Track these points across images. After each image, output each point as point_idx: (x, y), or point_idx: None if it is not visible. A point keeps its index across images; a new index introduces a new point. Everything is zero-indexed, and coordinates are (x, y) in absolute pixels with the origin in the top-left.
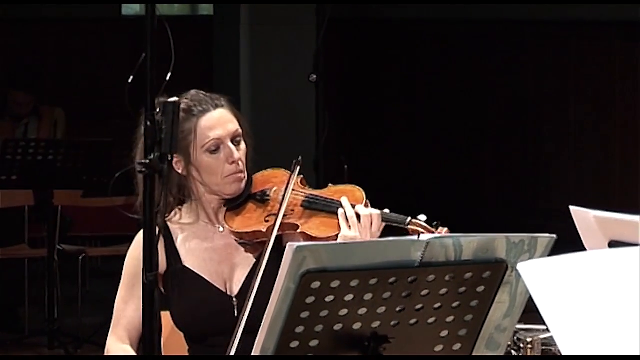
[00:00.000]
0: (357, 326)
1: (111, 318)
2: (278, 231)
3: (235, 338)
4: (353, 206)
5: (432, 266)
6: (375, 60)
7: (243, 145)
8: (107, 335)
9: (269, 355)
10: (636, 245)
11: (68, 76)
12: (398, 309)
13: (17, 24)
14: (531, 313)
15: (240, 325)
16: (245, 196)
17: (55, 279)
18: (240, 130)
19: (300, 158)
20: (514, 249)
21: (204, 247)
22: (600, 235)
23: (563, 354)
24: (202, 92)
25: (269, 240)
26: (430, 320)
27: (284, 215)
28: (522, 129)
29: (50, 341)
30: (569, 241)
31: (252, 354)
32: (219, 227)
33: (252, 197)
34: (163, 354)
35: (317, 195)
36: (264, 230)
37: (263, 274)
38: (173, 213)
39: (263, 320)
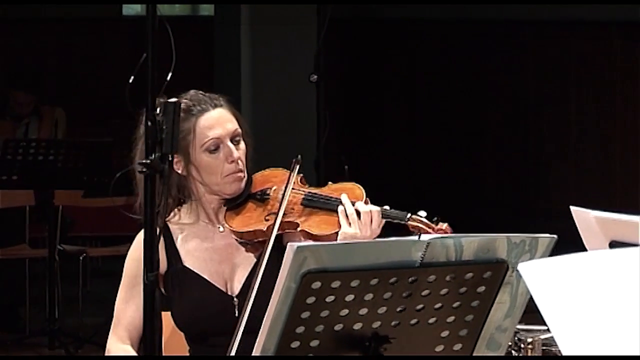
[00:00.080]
0: (357, 326)
1: (112, 318)
2: (278, 230)
3: (235, 338)
4: (353, 203)
5: (433, 266)
6: (375, 60)
7: (242, 145)
8: (107, 335)
9: (269, 355)
10: (637, 245)
11: (69, 76)
12: (399, 309)
13: (17, 24)
14: (532, 313)
15: (240, 325)
16: (245, 196)
17: (55, 279)
18: (239, 130)
19: (299, 157)
20: (515, 249)
21: (204, 247)
22: (600, 235)
23: (563, 354)
24: (201, 92)
25: (269, 239)
26: (431, 320)
27: (284, 214)
28: (522, 129)
29: (50, 341)
30: (569, 241)
31: (253, 354)
32: (219, 227)
33: (252, 196)
34: (163, 354)
35: (316, 193)
36: (264, 229)
37: (263, 274)
38: (172, 214)
39: (264, 321)
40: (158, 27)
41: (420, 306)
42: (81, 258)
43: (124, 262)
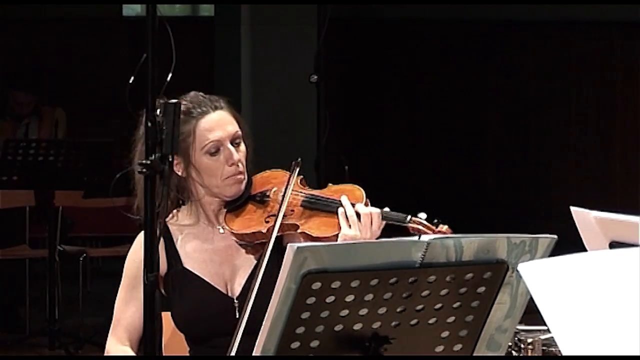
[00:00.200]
0: (357, 327)
1: (111, 319)
2: (278, 232)
3: (235, 339)
4: (353, 205)
5: (433, 267)
6: (376, 61)
7: (243, 147)
8: (107, 336)
9: (269, 355)
10: (637, 245)
11: (69, 76)
12: (399, 309)
13: (18, 24)
14: (532, 314)
15: (240, 327)
16: (245, 197)
17: (56, 279)
18: (239, 132)
19: (299, 159)
20: (515, 250)
21: (204, 248)
22: (601, 235)
23: (564, 355)
24: (201, 93)
25: (269, 241)
26: (431, 320)
27: (284, 216)
28: (522, 129)
29: (51, 341)
30: (569, 242)
31: (253, 355)
32: (219, 229)
33: (252, 198)
34: (164, 355)
35: (316, 195)
36: (264, 231)
37: (264, 275)
38: (171, 215)
39: (264, 321)
40: (158, 28)
41: (421, 306)
42: (81, 258)
43: (124, 262)
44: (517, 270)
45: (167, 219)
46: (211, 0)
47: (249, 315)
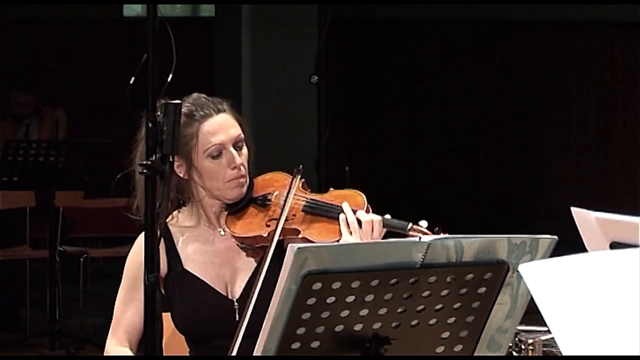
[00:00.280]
0: (358, 327)
1: (112, 319)
2: (279, 236)
3: (235, 342)
4: (354, 211)
5: (434, 267)
6: (376, 61)
7: (245, 150)
8: (108, 336)
9: (270, 356)
10: (637, 246)
11: (69, 77)
12: (399, 310)
13: (18, 25)
14: (532, 314)
15: (240, 330)
16: (246, 200)
17: (56, 279)
18: (242, 135)
19: (301, 166)
20: (515, 250)
21: (205, 250)
22: (601, 236)
23: (564, 355)
24: (203, 95)
25: (270, 245)
26: (432, 321)
27: (285, 220)
28: (522, 129)
29: (51, 342)
30: (570, 242)
31: (254, 355)
32: (220, 231)
33: (254, 201)
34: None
35: (318, 200)
36: (265, 235)
37: (264, 279)
38: (170, 216)
39: (264, 322)
40: (159, 28)
41: (421, 307)
42: (82, 259)
43: (125, 263)
44: (517, 271)
45: (167, 220)
46: (212, 0)
47: (249, 319)
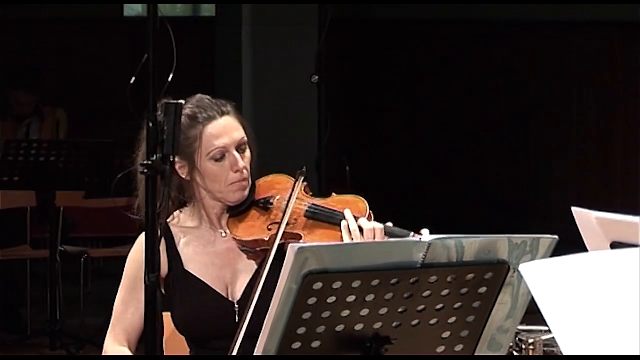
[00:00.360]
0: (359, 327)
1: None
2: (281, 240)
3: (235, 344)
4: (356, 219)
5: (434, 267)
6: (376, 61)
7: (248, 153)
8: None
9: (271, 356)
10: (638, 246)
11: (70, 77)
12: (400, 310)
13: (18, 25)
14: (533, 314)
15: (240, 332)
16: (248, 203)
17: (57, 280)
18: (245, 138)
19: (304, 168)
20: (516, 250)
21: (206, 251)
22: (602, 236)
23: (565, 355)
24: (207, 97)
25: (272, 250)
26: (432, 321)
27: (287, 224)
28: (523, 129)
29: (52, 342)
30: (570, 242)
31: (254, 355)
32: (222, 232)
33: (255, 203)
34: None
35: (320, 206)
36: (267, 239)
37: (265, 282)
38: (172, 217)
39: (265, 322)
40: (159, 28)
41: (422, 307)
42: (82, 259)
43: (126, 263)
44: (518, 271)
45: (169, 221)
46: (212, 0)
47: (249, 321)
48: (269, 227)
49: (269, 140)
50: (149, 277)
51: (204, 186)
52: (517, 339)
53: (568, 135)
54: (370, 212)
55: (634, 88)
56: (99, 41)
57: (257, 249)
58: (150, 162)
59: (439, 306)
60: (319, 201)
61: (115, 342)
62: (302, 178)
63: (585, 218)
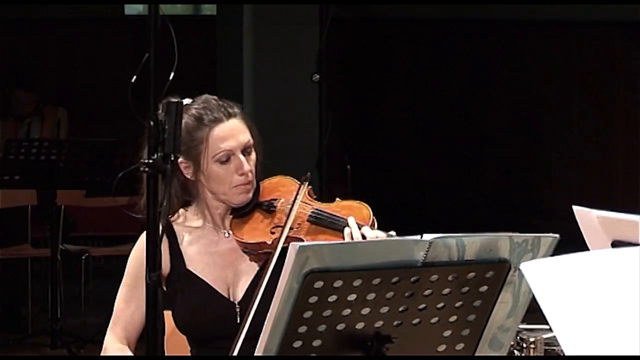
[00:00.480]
0: (360, 326)
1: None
2: (284, 243)
3: (236, 345)
4: (360, 226)
5: (435, 266)
6: (377, 60)
7: (253, 155)
8: None
9: (272, 355)
10: (639, 245)
11: (71, 76)
12: (401, 308)
13: (20, 24)
14: (534, 313)
15: (241, 333)
16: (252, 205)
17: (58, 278)
18: (251, 141)
19: (308, 174)
20: (517, 249)
21: (209, 251)
22: (603, 235)
23: (566, 354)
24: (214, 98)
25: (274, 253)
26: (433, 320)
27: (290, 229)
28: (524, 128)
29: (53, 341)
30: (572, 241)
31: (255, 354)
32: (225, 232)
33: (259, 206)
34: (165, 353)
35: (323, 211)
36: (269, 242)
37: (267, 284)
38: (177, 215)
39: (266, 321)
40: (160, 27)
41: (423, 306)
42: (83, 258)
43: (127, 261)
44: (519, 270)
45: (173, 219)
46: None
47: (250, 322)
48: (272, 231)
49: (270, 139)
50: (150, 276)
51: (208, 187)
52: (518, 337)
53: (568, 135)
54: (374, 219)
55: (634, 88)
56: (100, 40)
57: (260, 251)
58: (151, 161)
59: (440, 305)
60: (322, 206)
61: (116, 340)
62: (307, 183)
63: (586, 217)
